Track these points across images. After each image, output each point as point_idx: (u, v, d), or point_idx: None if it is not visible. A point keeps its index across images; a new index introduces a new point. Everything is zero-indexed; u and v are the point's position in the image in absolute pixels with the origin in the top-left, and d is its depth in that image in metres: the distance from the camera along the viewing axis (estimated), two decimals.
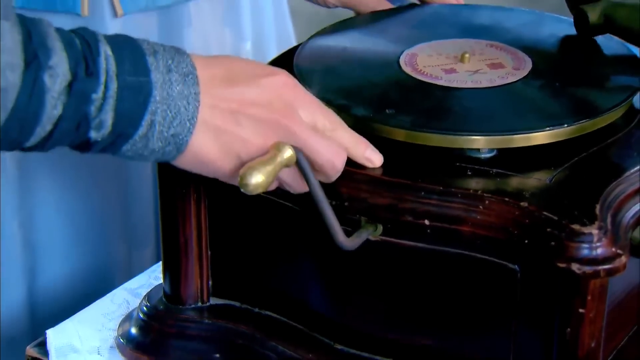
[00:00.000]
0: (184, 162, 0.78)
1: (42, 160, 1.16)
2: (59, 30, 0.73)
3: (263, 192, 0.77)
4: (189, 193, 0.89)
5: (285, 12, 1.32)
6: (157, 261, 1.13)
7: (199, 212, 0.90)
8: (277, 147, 0.78)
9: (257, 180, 0.76)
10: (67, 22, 1.09)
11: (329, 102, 0.86)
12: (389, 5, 1.05)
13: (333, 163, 0.79)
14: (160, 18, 1.16)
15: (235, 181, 0.77)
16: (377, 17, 1.04)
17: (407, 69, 0.91)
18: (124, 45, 0.75)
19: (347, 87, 0.89)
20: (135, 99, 0.73)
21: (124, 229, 1.22)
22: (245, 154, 0.77)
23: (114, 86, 0.72)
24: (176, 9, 1.16)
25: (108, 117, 0.73)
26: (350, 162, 0.82)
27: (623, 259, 0.74)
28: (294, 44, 1.31)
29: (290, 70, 0.92)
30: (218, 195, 0.89)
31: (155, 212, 1.22)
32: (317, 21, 3.09)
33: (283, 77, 0.79)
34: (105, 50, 0.73)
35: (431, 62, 0.92)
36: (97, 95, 0.72)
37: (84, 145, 0.75)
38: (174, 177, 0.89)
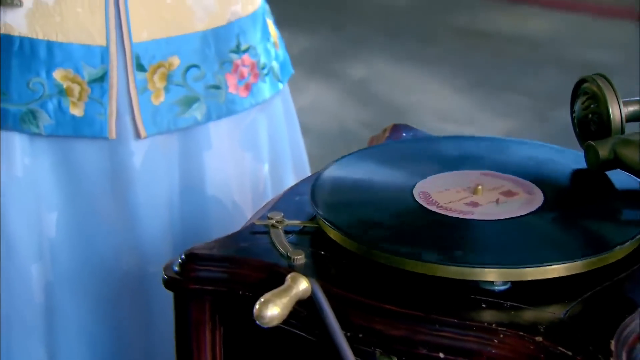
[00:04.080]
0: None
1: (67, 284, 1.17)
2: None
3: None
4: (204, 321, 0.89)
5: (298, 136, 1.34)
6: None
7: (214, 340, 0.90)
8: (293, 279, 0.79)
9: (273, 312, 0.77)
10: (94, 145, 1.14)
11: (344, 234, 0.87)
12: None
13: None
14: (181, 140, 1.19)
15: None
16: (392, 147, 1.06)
17: (421, 201, 0.92)
18: None
19: (362, 219, 0.90)
20: None
21: (145, 353, 1.22)
22: None
23: None
24: (196, 131, 1.20)
25: None
26: (365, 294, 0.82)
27: None
28: (307, 165, 1.34)
29: (306, 201, 0.94)
30: (233, 324, 0.89)
31: None
32: (326, 138, 3.12)
33: None
34: None
35: (445, 193, 0.93)
36: None
37: None
38: (189, 305, 0.89)
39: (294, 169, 1.31)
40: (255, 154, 1.25)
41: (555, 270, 0.83)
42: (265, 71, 1.23)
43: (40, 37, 1.12)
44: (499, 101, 3.53)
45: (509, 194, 0.93)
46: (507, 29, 4.20)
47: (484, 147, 1.04)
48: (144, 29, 1.14)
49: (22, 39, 1.13)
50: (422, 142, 1.08)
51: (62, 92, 1.13)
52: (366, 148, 1.08)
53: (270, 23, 1.27)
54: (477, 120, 3.40)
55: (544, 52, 3.94)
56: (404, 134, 1.12)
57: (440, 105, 3.52)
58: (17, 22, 1.13)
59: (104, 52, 1.13)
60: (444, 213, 0.90)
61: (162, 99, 1.16)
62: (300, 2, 4.32)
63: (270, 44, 1.25)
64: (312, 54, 3.78)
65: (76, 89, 1.13)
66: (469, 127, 3.33)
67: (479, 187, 0.93)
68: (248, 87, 1.21)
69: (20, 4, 1.12)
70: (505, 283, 0.83)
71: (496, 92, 3.59)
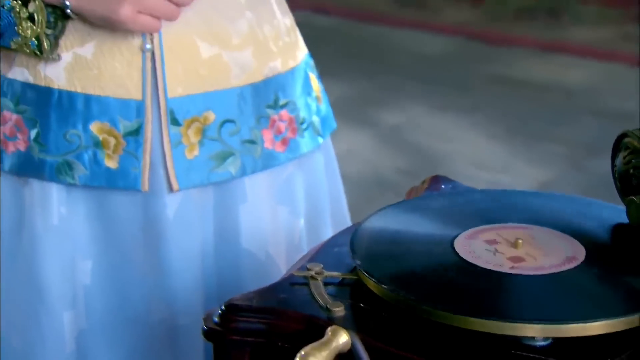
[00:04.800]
0: None
1: (99, 332, 1.18)
2: None
3: None
4: None
5: (339, 189, 1.34)
6: None
7: None
8: (333, 332, 0.79)
9: None
10: (128, 196, 1.14)
11: (384, 286, 0.87)
12: None
13: None
14: (216, 193, 1.20)
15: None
16: (432, 199, 1.06)
17: (462, 254, 0.92)
18: None
19: (402, 271, 0.90)
20: None
21: None
22: None
23: None
24: (232, 184, 1.20)
25: None
26: (406, 347, 0.82)
27: None
28: (348, 219, 1.34)
29: (345, 252, 0.93)
30: None
31: None
32: (361, 185, 3.12)
33: None
34: None
35: (485, 247, 0.93)
36: None
37: None
38: (229, 356, 0.89)
39: (334, 222, 1.31)
40: (291, 208, 1.25)
41: (597, 327, 0.82)
42: (304, 126, 1.23)
43: (79, 90, 1.14)
44: (535, 150, 3.52)
45: (549, 248, 0.93)
46: (542, 77, 4.20)
47: (524, 201, 1.04)
48: (179, 84, 1.15)
49: (60, 92, 1.14)
50: (461, 194, 1.07)
51: (98, 145, 1.14)
52: (405, 200, 1.08)
53: (313, 77, 1.27)
54: (513, 169, 3.39)
55: (579, 101, 3.94)
56: (442, 186, 1.11)
57: (475, 153, 3.52)
58: (56, 76, 1.14)
59: (140, 106, 1.14)
60: (485, 267, 0.90)
61: (196, 153, 1.17)
62: (334, 50, 4.34)
63: (311, 98, 1.25)
64: (347, 102, 3.79)
65: (112, 141, 1.14)
66: (505, 176, 3.32)
67: (520, 240, 0.93)
68: (285, 142, 1.22)
69: (59, 58, 1.13)
70: (546, 339, 0.83)
71: (532, 141, 3.58)
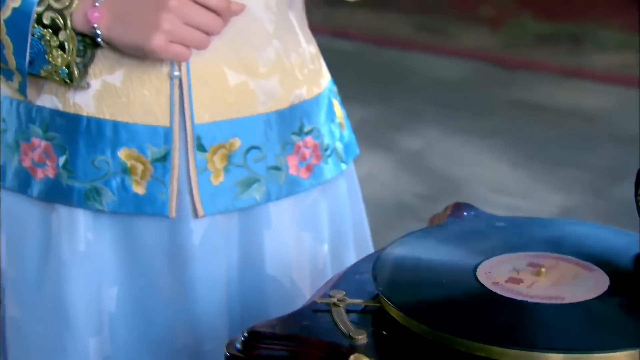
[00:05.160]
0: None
1: (124, 359, 1.18)
2: None
3: None
4: None
5: (362, 215, 1.34)
6: None
7: None
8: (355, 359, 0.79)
9: None
10: (154, 222, 1.15)
11: (406, 314, 0.87)
12: None
13: None
14: (241, 219, 1.20)
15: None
16: (455, 227, 1.06)
17: (484, 282, 0.92)
18: None
19: (424, 299, 0.90)
20: None
21: None
22: None
23: None
24: (256, 210, 1.20)
25: None
26: None
27: None
28: (370, 245, 1.34)
29: (367, 279, 0.93)
30: None
31: None
32: (380, 209, 3.12)
33: None
34: None
35: (508, 275, 0.93)
36: None
37: None
38: None
39: (356, 248, 1.31)
40: (315, 234, 1.25)
41: (622, 357, 0.82)
42: (328, 152, 1.24)
43: (107, 117, 1.15)
44: (555, 175, 3.51)
45: (573, 277, 0.93)
46: (562, 102, 4.20)
47: (547, 229, 1.04)
48: (206, 111, 1.15)
49: (89, 119, 1.15)
50: (484, 222, 1.07)
51: (126, 171, 1.15)
52: (428, 227, 1.08)
53: (336, 103, 1.28)
54: (533, 194, 3.38)
55: (599, 126, 3.93)
56: (465, 213, 1.11)
57: (495, 179, 3.52)
58: (85, 103, 1.15)
59: (167, 132, 1.15)
60: (507, 295, 0.90)
61: (221, 179, 1.17)
62: (354, 75, 4.36)
63: (335, 124, 1.26)
64: (367, 126, 3.80)
65: (139, 167, 1.15)
66: (525, 201, 3.32)
67: (543, 269, 0.93)
68: (310, 169, 1.22)
69: (88, 86, 1.14)
70: None
71: (552, 166, 3.58)
